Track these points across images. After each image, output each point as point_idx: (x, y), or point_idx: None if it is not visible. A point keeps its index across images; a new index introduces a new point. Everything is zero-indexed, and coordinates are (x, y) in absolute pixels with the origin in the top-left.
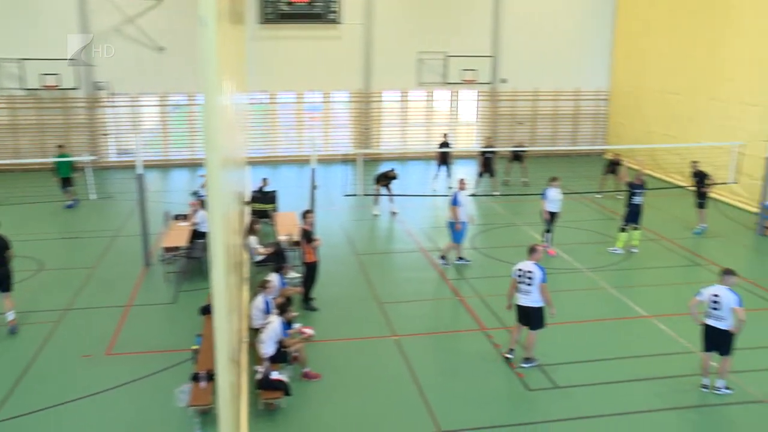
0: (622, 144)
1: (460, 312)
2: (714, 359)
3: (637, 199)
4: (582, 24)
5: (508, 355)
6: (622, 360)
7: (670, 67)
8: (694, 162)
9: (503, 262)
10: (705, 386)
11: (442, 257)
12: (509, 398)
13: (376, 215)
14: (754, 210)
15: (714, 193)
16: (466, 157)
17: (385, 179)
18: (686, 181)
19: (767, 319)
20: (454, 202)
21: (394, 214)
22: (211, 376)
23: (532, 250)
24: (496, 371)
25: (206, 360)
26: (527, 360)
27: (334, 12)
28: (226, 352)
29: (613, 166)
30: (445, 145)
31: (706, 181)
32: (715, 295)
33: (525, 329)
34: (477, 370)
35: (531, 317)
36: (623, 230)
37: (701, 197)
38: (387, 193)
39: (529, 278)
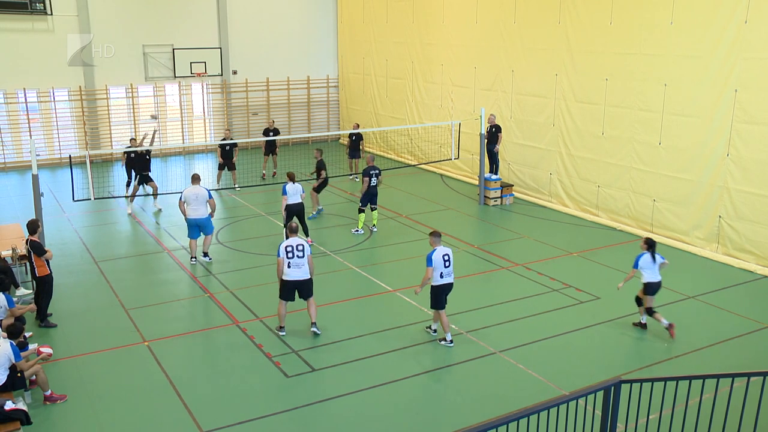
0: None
1: (211, 308)
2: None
3: (373, 181)
4: (307, 13)
5: (281, 332)
6: (374, 335)
7: (389, 54)
8: (318, 149)
9: (249, 254)
10: (447, 341)
11: (195, 257)
12: (269, 388)
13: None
14: (475, 182)
15: (441, 168)
16: (203, 151)
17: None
18: (415, 161)
19: (493, 279)
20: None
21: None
22: None
23: (294, 230)
24: (253, 363)
25: None
26: (315, 324)
27: (42, 2)
28: None
29: (355, 146)
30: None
31: (323, 173)
32: (446, 255)
33: (287, 305)
34: (234, 365)
35: (306, 288)
36: (361, 211)
37: (322, 185)
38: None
39: (301, 251)
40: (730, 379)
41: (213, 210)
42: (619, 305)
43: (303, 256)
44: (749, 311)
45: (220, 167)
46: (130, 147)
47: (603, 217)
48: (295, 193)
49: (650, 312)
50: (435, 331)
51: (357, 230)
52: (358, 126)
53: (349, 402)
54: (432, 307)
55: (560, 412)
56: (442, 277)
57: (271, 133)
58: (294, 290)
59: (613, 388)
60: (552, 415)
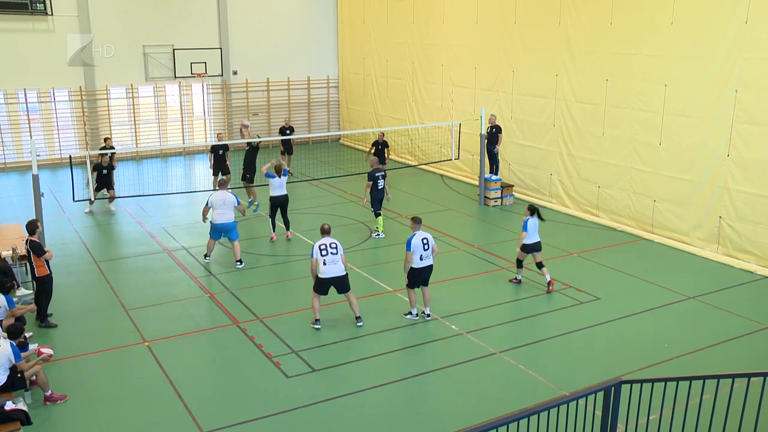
0: (355, 129)
1: (211, 309)
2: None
3: (379, 184)
4: (307, 13)
5: (317, 326)
6: (374, 335)
7: (390, 54)
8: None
9: (249, 254)
10: (412, 314)
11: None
12: (269, 388)
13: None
14: (476, 182)
15: (441, 169)
16: (203, 152)
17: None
18: (415, 161)
19: (494, 280)
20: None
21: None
22: None
23: (327, 230)
24: (253, 363)
25: None
26: (360, 318)
27: (42, 2)
28: None
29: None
30: (110, 149)
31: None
32: (425, 239)
33: (319, 299)
34: (234, 365)
35: (343, 284)
36: (378, 215)
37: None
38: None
39: (334, 248)
40: (731, 379)
41: (243, 212)
42: (619, 305)
43: (337, 253)
44: (749, 312)
45: (215, 173)
46: (104, 147)
47: (603, 218)
48: (280, 186)
49: (540, 266)
50: (429, 315)
51: (378, 234)
52: (383, 135)
53: (349, 402)
54: (407, 286)
55: (560, 412)
56: (422, 259)
57: (288, 132)
58: (330, 286)
59: (613, 388)
60: (552, 416)
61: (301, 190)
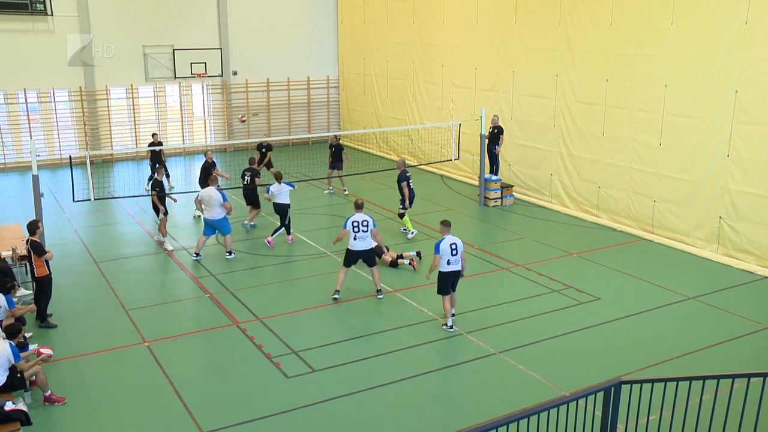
0: (355, 129)
1: (211, 309)
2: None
3: (411, 184)
4: (307, 13)
5: (338, 295)
6: (374, 335)
7: (390, 54)
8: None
9: (249, 254)
10: (448, 325)
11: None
12: (269, 388)
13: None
14: (475, 183)
15: (441, 169)
16: (203, 152)
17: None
18: (415, 161)
19: (494, 280)
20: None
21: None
22: None
23: (360, 205)
24: (253, 363)
25: None
26: (380, 291)
27: (42, 2)
28: None
29: (337, 152)
30: (157, 144)
31: (253, 179)
32: (453, 244)
33: (345, 272)
34: (234, 365)
35: (370, 256)
36: (402, 215)
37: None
38: None
39: (365, 226)
40: (731, 380)
41: (228, 211)
42: (619, 305)
43: (367, 230)
44: (749, 312)
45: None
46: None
47: (603, 218)
48: (279, 193)
49: (395, 263)
50: (451, 327)
51: (412, 232)
52: (336, 137)
53: (349, 402)
54: (437, 292)
55: (560, 412)
56: (449, 264)
57: (264, 150)
58: (357, 259)
59: (613, 388)
60: (552, 416)
61: (301, 191)
